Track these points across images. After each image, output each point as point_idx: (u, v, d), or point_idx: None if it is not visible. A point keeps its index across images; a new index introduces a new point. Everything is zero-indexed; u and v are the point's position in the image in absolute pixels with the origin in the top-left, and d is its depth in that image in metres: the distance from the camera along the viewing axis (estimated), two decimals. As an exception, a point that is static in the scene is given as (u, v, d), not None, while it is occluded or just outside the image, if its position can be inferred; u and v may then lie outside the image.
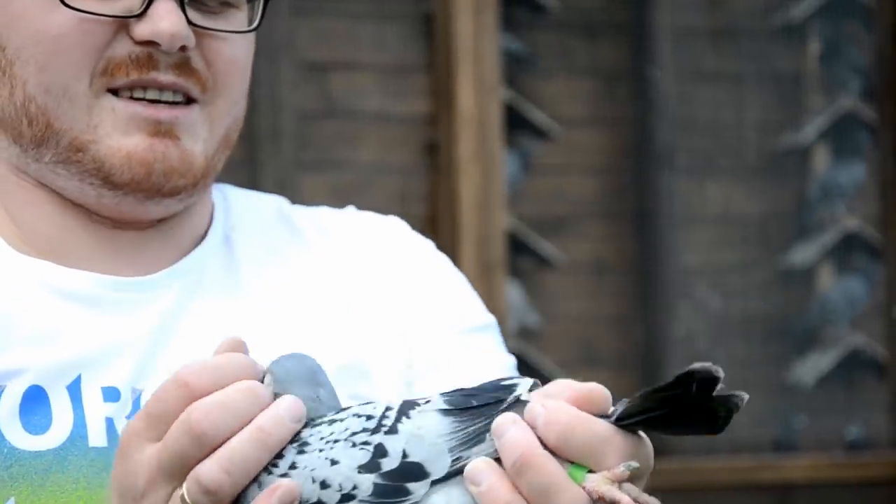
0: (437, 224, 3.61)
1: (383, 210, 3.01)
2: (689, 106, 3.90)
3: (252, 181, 3.47)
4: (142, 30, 0.89)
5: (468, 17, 3.46)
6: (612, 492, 0.65)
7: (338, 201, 2.80)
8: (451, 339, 1.05)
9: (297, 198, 2.70)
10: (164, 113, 0.92)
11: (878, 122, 3.95)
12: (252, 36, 0.99)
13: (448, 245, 3.48)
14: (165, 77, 0.92)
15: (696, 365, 0.65)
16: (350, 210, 1.10)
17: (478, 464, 0.67)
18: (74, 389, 0.94)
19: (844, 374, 3.95)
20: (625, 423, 0.66)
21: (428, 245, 1.10)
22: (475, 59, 3.47)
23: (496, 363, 1.04)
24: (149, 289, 0.97)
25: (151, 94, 0.92)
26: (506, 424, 0.67)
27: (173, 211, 0.97)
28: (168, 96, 0.93)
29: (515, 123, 3.69)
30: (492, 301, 3.51)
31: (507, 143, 3.63)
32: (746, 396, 0.65)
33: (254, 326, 0.96)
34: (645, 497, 0.68)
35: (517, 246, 3.74)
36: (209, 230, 1.02)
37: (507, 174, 3.62)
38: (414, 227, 2.95)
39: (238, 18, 0.95)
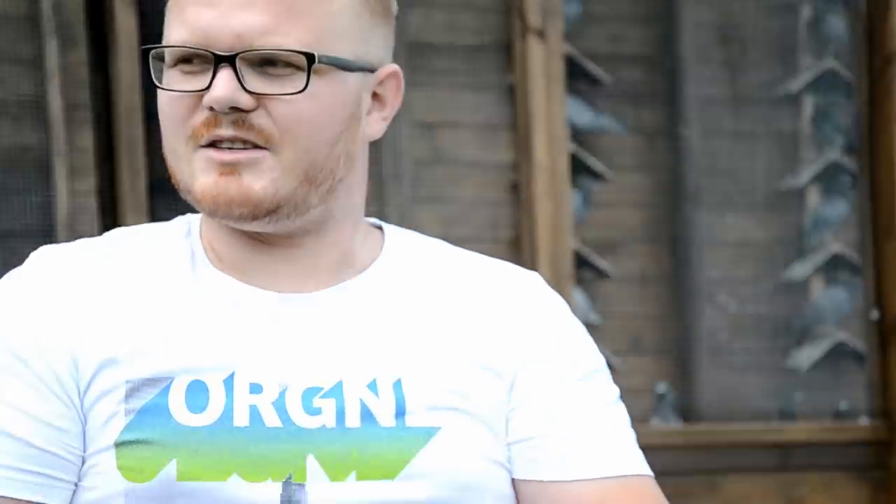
0: (519, 245, 4.00)
1: (479, 233, 3.68)
2: (711, 157, 4.32)
3: (380, 212, 3.70)
4: (206, 99, 1.10)
5: (542, 87, 3.91)
6: None
7: (444, 228, 3.60)
8: (553, 386, 1.19)
9: (414, 226, 3.33)
10: (226, 156, 1.11)
11: (858, 171, 4.34)
12: (324, 94, 1.13)
13: (528, 261, 3.94)
14: (226, 132, 1.10)
15: None
16: (497, 261, 1.29)
17: None
18: (228, 383, 1.14)
19: (831, 361, 4.30)
20: None
21: (557, 301, 1.27)
22: (548, 119, 3.91)
23: (589, 411, 1.18)
24: (304, 305, 1.17)
25: (223, 145, 1.11)
26: None
27: (273, 231, 1.16)
28: (238, 145, 1.11)
29: (578, 168, 4.11)
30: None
31: (572, 184, 4.03)
32: None
33: (395, 347, 1.16)
34: None
35: (581, 262, 4.13)
36: (373, 264, 1.22)
37: (572, 208, 4.03)
38: (502, 247, 3.70)
39: (300, 81, 1.12)
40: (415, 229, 2.87)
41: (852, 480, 4.17)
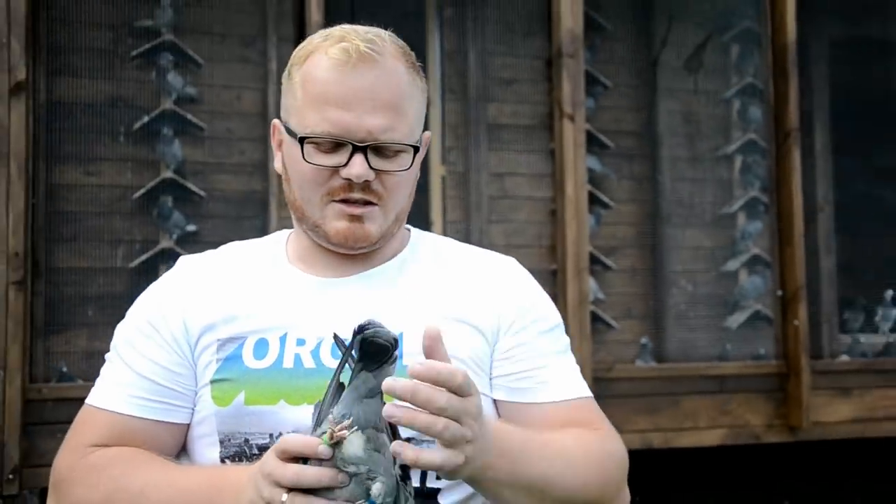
0: (555, 250, 4.55)
1: (529, 242, 4.75)
2: (677, 194, 5.09)
3: (467, 230, 4.64)
4: (346, 172, 1.28)
5: (571, 150, 4.53)
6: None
7: (507, 239, 4.73)
8: (527, 337, 1.39)
9: (489, 239, 4.58)
10: (356, 210, 1.31)
11: (769, 203, 5.03)
12: (413, 167, 1.33)
13: (560, 260, 4.49)
14: (357, 195, 1.32)
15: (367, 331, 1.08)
16: (484, 250, 1.47)
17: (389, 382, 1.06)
18: (283, 339, 1.32)
19: (751, 323, 4.98)
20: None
21: (525, 276, 1.45)
22: (574, 170, 4.53)
23: (547, 357, 1.39)
24: (339, 285, 1.35)
25: (353, 202, 1.32)
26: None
27: (364, 251, 1.37)
28: (361, 202, 1.32)
29: (593, 200, 4.77)
30: (582, 286, 4.41)
31: (589, 210, 4.60)
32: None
33: (398, 310, 1.32)
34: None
35: (594, 260, 4.63)
36: (395, 256, 1.40)
37: (589, 225, 4.59)
38: (545, 251, 4.66)
39: (404, 159, 1.32)
40: (490, 241, 4.04)
41: (764, 399, 4.74)
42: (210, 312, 1.36)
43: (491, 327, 1.36)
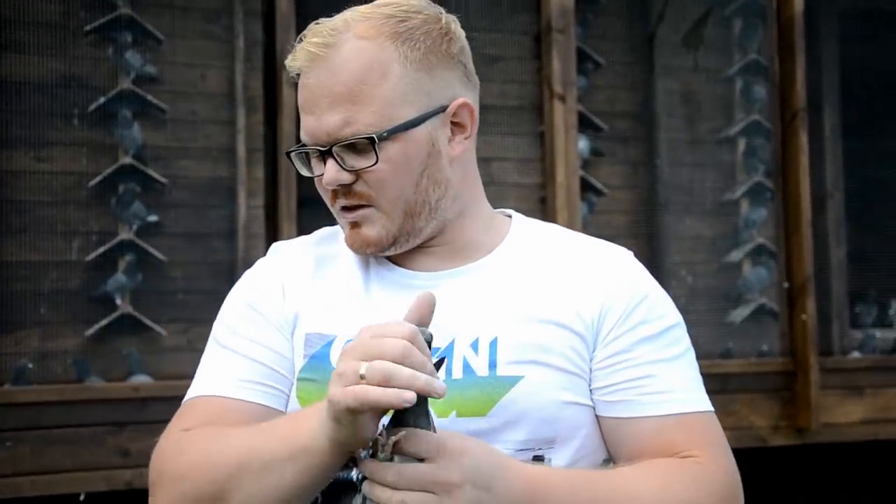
0: None
1: None
2: (675, 179, 5.07)
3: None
4: (323, 182, 1.30)
5: (561, 133, 4.57)
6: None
7: None
8: (627, 343, 1.30)
9: None
10: (349, 216, 1.31)
11: (774, 189, 5.03)
12: (396, 154, 1.27)
13: None
14: (342, 201, 1.31)
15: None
16: (596, 241, 1.40)
17: None
18: None
19: (756, 317, 4.97)
20: None
21: (635, 270, 1.35)
22: (565, 154, 4.57)
23: (649, 366, 1.28)
24: (430, 284, 1.33)
25: (346, 208, 1.32)
26: None
27: (404, 250, 1.34)
28: (353, 206, 1.31)
29: (586, 187, 4.78)
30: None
31: (581, 198, 4.67)
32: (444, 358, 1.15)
33: (478, 316, 1.29)
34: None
35: None
36: (496, 248, 1.37)
37: (581, 213, 4.66)
38: None
39: (388, 149, 1.28)
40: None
41: (769, 398, 4.76)
42: (301, 302, 1.35)
43: (590, 331, 1.30)
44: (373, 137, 1.24)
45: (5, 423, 3.81)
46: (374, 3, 1.32)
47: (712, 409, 1.33)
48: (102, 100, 4.29)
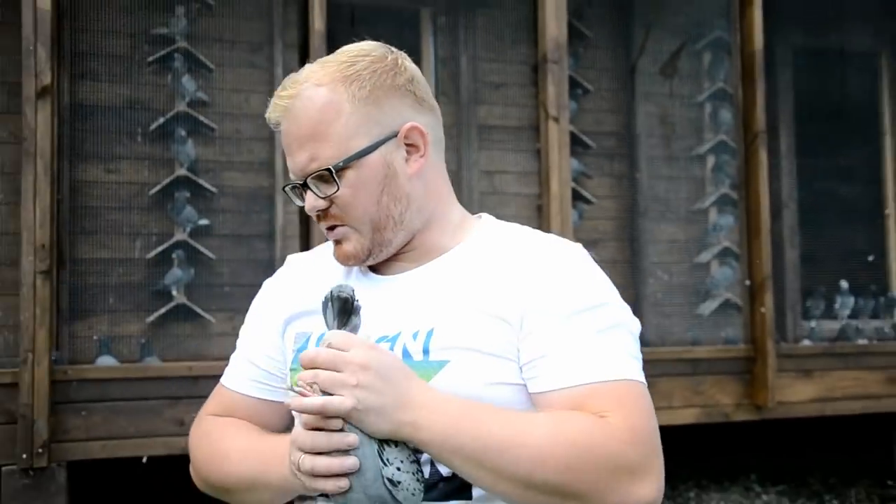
0: None
1: None
2: (653, 190, 5.17)
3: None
4: (306, 210, 1.31)
5: (556, 150, 4.51)
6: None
7: None
8: (547, 320, 1.22)
9: None
10: (331, 234, 1.33)
11: (738, 199, 5.08)
12: (354, 180, 1.26)
13: None
14: (323, 223, 1.33)
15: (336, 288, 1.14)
16: (547, 236, 1.31)
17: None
18: None
19: (722, 310, 5.05)
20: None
21: (565, 256, 1.26)
22: (559, 169, 4.51)
23: (575, 341, 1.19)
24: (388, 282, 1.35)
25: (328, 229, 1.32)
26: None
27: (383, 258, 1.33)
28: (332, 227, 1.32)
29: (576, 197, 4.84)
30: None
31: (572, 206, 4.63)
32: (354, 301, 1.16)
33: (430, 305, 1.28)
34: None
35: None
36: (450, 250, 1.33)
37: (572, 220, 4.59)
38: None
39: (348, 177, 1.27)
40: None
41: (732, 380, 4.78)
42: (293, 306, 1.39)
43: (517, 315, 1.23)
44: (330, 169, 1.25)
45: (80, 395, 3.94)
46: (336, 52, 1.33)
47: (639, 379, 1.20)
48: (161, 120, 4.45)
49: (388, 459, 1.13)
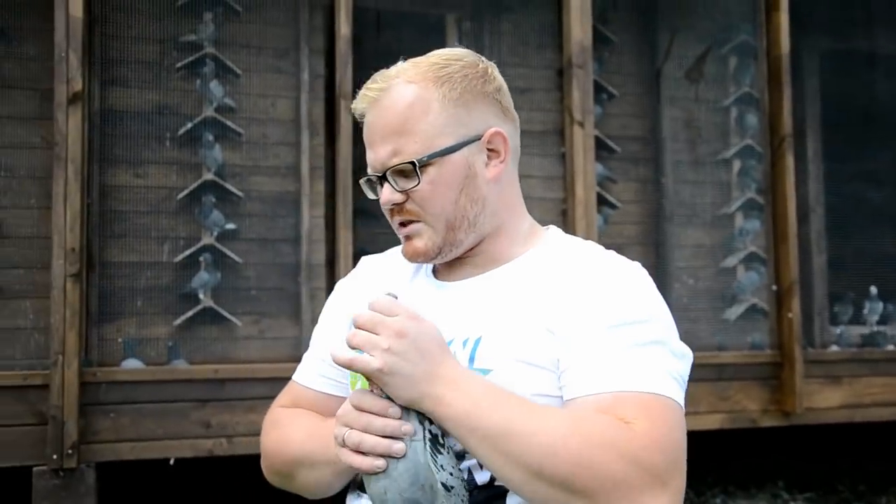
0: None
1: None
2: (679, 195, 5.10)
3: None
4: (381, 203, 1.32)
5: (581, 155, 4.52)
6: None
7: None
8: (583, 332, 1.19)
9: None
10: (403, 230, 1.34)
11: (765, 204, 5.03)
12: (436, 177, 1.28)
13: None
14: (397, 218, 1.34)
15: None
16: (607, 254, 1.30)
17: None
18: None
19: (748, 315, 4.99)
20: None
21: (615, 271, 1.24)
22: (584, 173, 4.51)
23: (613, 355, 1.16)
24: (450, 289, 1.36)
25: (401, 224, 1.34)
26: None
27: (450, 258, 1.34)
28: (406, 222, 1.33)
29: (601, 201, 4.83)
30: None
31: (597, 210, 4.63)
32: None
33: (481, 315, 1.28)
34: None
35: None
36: (512, 261, 1.33)
37: (597, 224, 4.59)
38: None
39: (430, 173, 1.29)
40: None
41: (759, 385, 4.75)
42: (361, 305, 1.34)
43: (562, 326, 1.21)
44: (413, 162, 1.27)
45: (109, 397, 3.96)
46: (427, 55, 1.35)
47: (672, 396, 1.16)
48: (189, 125, 4.46)
49: (441, 465, 1.14)
